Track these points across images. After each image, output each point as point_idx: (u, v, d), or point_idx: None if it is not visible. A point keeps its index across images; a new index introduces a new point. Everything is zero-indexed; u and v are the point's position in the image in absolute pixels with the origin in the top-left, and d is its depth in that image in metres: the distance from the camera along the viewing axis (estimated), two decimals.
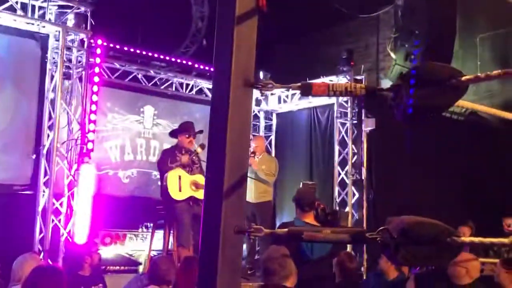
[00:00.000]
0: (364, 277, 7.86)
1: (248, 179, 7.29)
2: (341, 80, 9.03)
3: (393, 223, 1.89)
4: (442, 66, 1.85)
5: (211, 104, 2.07)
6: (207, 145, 2.08)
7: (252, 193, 7.40)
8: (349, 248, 8.20)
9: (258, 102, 10.95)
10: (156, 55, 9.17)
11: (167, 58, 9.37)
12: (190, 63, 9.61)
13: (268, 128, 10.95)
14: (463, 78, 1.81)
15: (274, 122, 10.99)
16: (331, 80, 8.96)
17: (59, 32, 7.04)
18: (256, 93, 10.50)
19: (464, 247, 6.88)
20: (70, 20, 7.13)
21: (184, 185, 6.49)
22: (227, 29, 1.99)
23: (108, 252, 7.91)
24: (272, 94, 10.71)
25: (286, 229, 2.00)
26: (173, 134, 7.02)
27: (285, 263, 3.79)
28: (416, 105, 1.80)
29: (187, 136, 6.72)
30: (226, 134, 1.94)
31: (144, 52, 9.04)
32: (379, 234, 1.91)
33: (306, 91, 2.05)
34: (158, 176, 7.33)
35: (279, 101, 10.70)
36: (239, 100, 1.97)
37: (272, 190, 7.64)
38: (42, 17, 7.03)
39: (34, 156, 6.97)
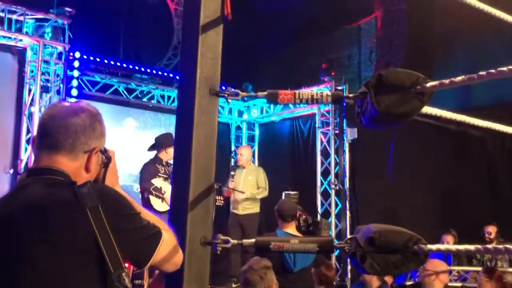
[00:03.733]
0: None
1: (232, 191, 7.31)
2: (322, 90, 9.05)
3: (361, 232, 1.87)
4: (406, 73, 1.84)
5: (176, 114, 2.04)
6: (172, 157, 2.05)
7: (239, 205, 7.38)
8: (333, 259, 8.21)
9: (240, 113, 10.97)
10: (137, 68, 9.14)
11: (148, 70, 9.34)
12: (171, 75, 9.59)
13: (251, 138, 10.97)
14: (428, 85, 1.80)
15: (257, 132, 11.00)
16: (312, 90, 8.96)
17: (36, 45, 6.99)
18: (239, 105, 10.62)
19: (449, 255, 6.90)
20: (48, 33, 7.09)
21: (166, 196, 6.44)
22: (192, 38, 1.97)
23: None
24: (254, 105, 10.74)
25: (253, 240, 1.97)
26: (152, 148, 6.96)
27: (266, 276, 3.76)
28: (380, 112, 1.78)
29: (166, 150, 6.67)
30: (191, 144, 1.91)
31: (125, 65, 9.00)
32: (347, 243, 1.90)
33: (273, 99, 2.03)
34: (139, 189, 7.27)
35: (261, 111, 10.71)
36: (204, 109, 1.94)
37: (259, 202, 7.58)
38: (19, 30, 6.98)
39: (11, 171, 6.89)
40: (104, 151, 1.76)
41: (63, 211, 1.54)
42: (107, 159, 1.76)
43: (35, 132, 6.80)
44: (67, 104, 1.75)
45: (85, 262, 1.53)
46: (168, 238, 1.69)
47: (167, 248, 1.68)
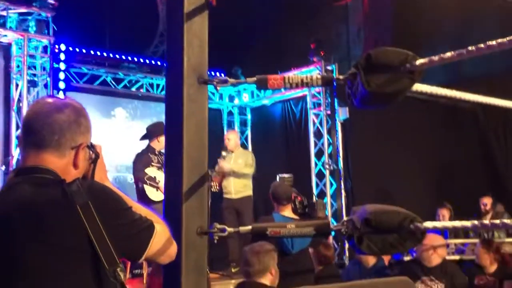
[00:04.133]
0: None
1: (219, 174, 7.27)
2: (312, 71, 9.03)
3: (357, 213, 1.87)
4: (395, 52, 1.82)
5: (165, 104, 2.02)
6: (164, 146, 2.03)
7: (232, 188, 7.37)
8: (330, 238, 8.25)
9: (231, 98, 10.93)
10: (124, 57, 9.07)
11: (136, 59, 9.27)
12: (159, 62, 9.52)
13: (243, 123, 10.94)
14: (417, 62, 1.79)
15: (248, 117, 10.98)
16: (302, 72, 8.95)
17: (21, 39, 6.91)
18: (229, 90, 10.58)
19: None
20: (32, 27, 7.00)
21: (161, 185, 6.42)
22: (177, 26, 1.94)
23: None
24: (245, 89, 10.70)
25: (250, 227, 1.97)
26: (144, 138, 6.92)
27: (264, 258, 3.77)
28: (371, 92, 1.77)
29: (158, 139, 6.63)
30: (183, 134, 1.89)
31: (111, 55, 8.93)
32: (344, 225, 1.90)
33: (262, 85, 2.01)
34: (133, 180, 7.25)
35: (252, 96, 10.68)
36: (194, 98, 1.93)
37: (251, 185, 7.55)
38: (3, 25, 6.90)
39: (3, 168, 6.85)
40: (91, 146, 1.74)
41: (53, 210, 1.53)
42: (95, 155, 1.75)
43: None
44: (50, 100, 1.72)
45: (79, 259, 1.52)
46: (161, 231, 1.69)
47: (160, 241, 1.68)
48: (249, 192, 7.50)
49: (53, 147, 1.62)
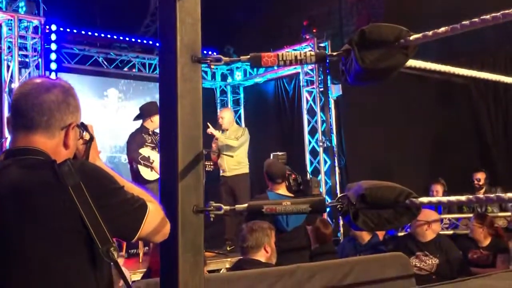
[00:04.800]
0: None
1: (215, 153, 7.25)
2: (305, 48, 8.99)
3: (352, 189, 1.88)
4: (389, 27, 1.82)
5: (159, 84, 2.01)
6: (158, 126, 2.03)
7: (225, 166, 7.37)
8: (325, 214, 8.29)
9: (224, 77, 10.89)
10: (115, 37, 9.00)
11: (127, 39, 9.20)
12: (151, 42, 9.45)
13: (236, 102, 10.94)
14: (411, 38, 1.79)
15: (241, 95, 10.96)
16: (295, 50, 8.91)
17: (11, 20, 6.84)
18: (222, 69, 10.54)
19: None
20: (22, 8, 6.93)
21: (155, 165, 6.43)
22: (169, 5, 1.92)
23: None
24: (237, 68, 10.67)
25: (245, 205, 1.97)
26: (137, 118, 6.91)
27: (257, 235, 3.80)
28: (365, 68, 1.77)
29: (151, 118, 6.62)
30: (177, 113, 1.89)
31: (103, 35, 8.85)
32: (339, 201, 1.91)
33: (256, 63, 2.00)
34: (127, 160, 7.25)
35: (245, 74, 10.65)
36: (187, 76, 1.91)
37: (246, 162, 7.52)
38: None
39: None
40: (83, 126, 1.73)
41: (45, 191, 1.52)
42: (90, 136, 1.74)
43: None
44: (38, 81, 1.70)
45: (72, 240, 1.52)
46: (153, 209, 1.69)
47: (153, 220, 1.67)
48: (243, 170, 7.49)
49: (42, 128, 1.61)
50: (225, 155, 7.20)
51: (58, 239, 1.50)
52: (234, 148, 7.29)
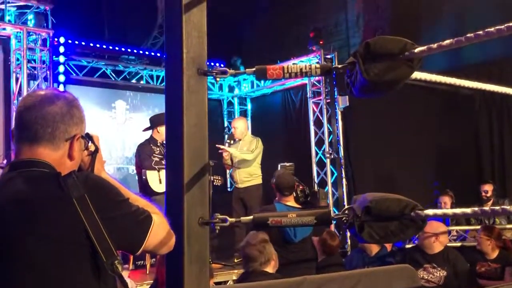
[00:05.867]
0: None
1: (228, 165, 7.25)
2: (312, 59, 9.01)
3: (357, 201, 1.87)
4: (394, 40, 1.82)
5: (165, 96, 2.02)
6: (164, 137, 2.04)
7: (237, 178, 7.36)
8: (332, 226, 8.27)
9: (231, 89, 10.93)
10: (123, 49, 9.06)
11: (135, 51, 9.26)
12: (158, 54, 9.51)
13: (243, 113, 10.96)
14: (416, 50, 1.79)
15: (249, 107, 10.98)
16: (302, 61, 8.94)
17: (20, 33, 6.91)
18: (229, 80, 10.57)
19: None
20: (31, 20, 7.00)
21: (163, 176, 6.42)
22: (175, 18, 1.94)
23: None
24: (244, 80, 10.70)
25: (251, 217, 1.98)
26: (147, 129, 6.93)
27: (264, 249, 3.80)
28: (370, 81, 1.77)
29: (157, 129, 6.63)
30: (183, 125, 1.90)
31: (111, 47, 8.92)
32: (345, 214, 1.90)
33: (261, 75, 2.01)
34: (135, 171, 7.25)
35: (252, 86, 10.68)
36: (193, 89, 1.93)
37: (259, 173, 7.48)
38: (1, 19, 6.89)
39: (5, 161, 6.85)
40: (88, 137, 1.73)
41: (50, 203, 1.51)
42: (95, 148, 1.74)
43: None
44: (42, 93, 1.70)
45: (77, 253, 1.51)
46: (159, 222, 1.68)
47: (158, 232, 1.67)
48: (255, 181, 7.42)
49: (47, 139, 1.61)
50: (237, 168, 7.22)
51: (62, 251, 1.50)
52: (250, 161, 7.29)
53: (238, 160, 7.27)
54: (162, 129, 6.51)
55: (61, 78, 7.33)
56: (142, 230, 1.63)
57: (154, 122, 6.73)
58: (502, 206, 1.56)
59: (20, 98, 6.94)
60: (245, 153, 7.27)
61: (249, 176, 7.37)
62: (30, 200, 1.51)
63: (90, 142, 1.73)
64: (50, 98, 1.65)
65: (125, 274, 1.90)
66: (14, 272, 1.50)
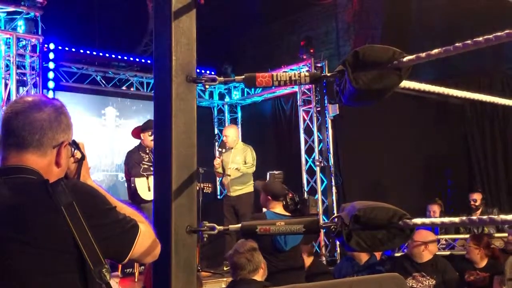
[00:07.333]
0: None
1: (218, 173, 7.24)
2: (302, 68, 9.03)
3: (346, 210, 1.87)
4: (382, 48, 1.83)
5: (154, 103, 2.01)
6: (153, 145, 2.03)
7: (229, 187, 7.36)
8: (322, 234, 8.26)
9: (221, 96, 10.93)
10: (113, 56, 9.04)
11: (125, 58, 9.24)
12: (149, 61, 9.49)
13: (233, 121, 10.95)
14: (405, 59, 1.80)
15: (239, 114, 10.99)
16: (292, 70, 8.96)
17: (10, 39, 6.87)
18: (219, 88, 10.58)
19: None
20: (20, 26, 6.96)
21: (152, 184, 6.39)
22: (164, 25, 1.94)
23: None
24: (235, 87, 10.71)
25: (239, 225, 1.97)
26: (135, 134, 6.91)
27: (252, 257, 3.79)
28: (359, 89, 1.77)
29: (150, 134, 6.61)
30: (171, 133, 1.89)
31: (101, 53, 8.90)
32: (333, 222, 1.90)
33: (250, 83, 2.01)
34: (125, 178, 7.22)
35: (243, 93, 10.69)
36: (182, 96, 1.92)
37: (251, 181, 7.47)
38: None
39: None
40: (75, 144, 1.72)
41: (37, 211, 1.50)
42: (81, 155, 1.73)
43: None
44: (29, 99, 1.68)
45: (64, 261, 1.50)
46: (145, 231, 1.67)
47: (144, 241, 1.66)
48: (247, 189, 7.43)
49: (34, 146, 1.60)
50: (228, 175, 7.22)
51: (50, 259, 1.49)
52: (250, 174, 7.32)
53: (242, 173, 7.28)
54: (145, 135, 6.54)
55: (51, 84, 7.29)
56: (129, 239, 1.62)
57: (141, 128, 6.74)
58: (490, 216, 1.56)
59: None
60: (243, 167, 7.29)
61: (242, 184, 7.37)
62: (17, 207, 1.50)
63: (76, 149, 1.72)
64: (38, 105, 1.64)
65: (115, 281, 1.88)
66: (2, 280, 1.48)
